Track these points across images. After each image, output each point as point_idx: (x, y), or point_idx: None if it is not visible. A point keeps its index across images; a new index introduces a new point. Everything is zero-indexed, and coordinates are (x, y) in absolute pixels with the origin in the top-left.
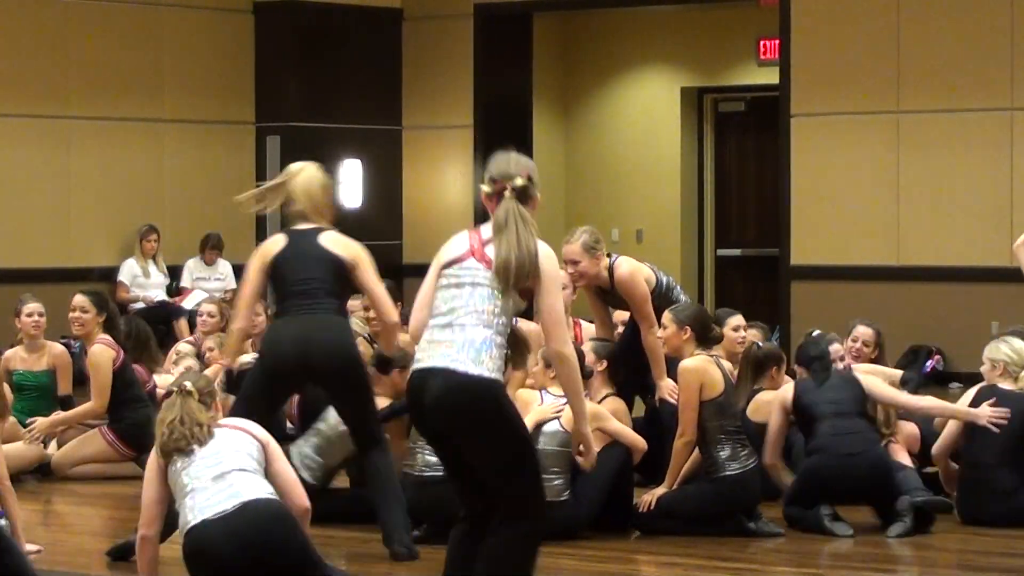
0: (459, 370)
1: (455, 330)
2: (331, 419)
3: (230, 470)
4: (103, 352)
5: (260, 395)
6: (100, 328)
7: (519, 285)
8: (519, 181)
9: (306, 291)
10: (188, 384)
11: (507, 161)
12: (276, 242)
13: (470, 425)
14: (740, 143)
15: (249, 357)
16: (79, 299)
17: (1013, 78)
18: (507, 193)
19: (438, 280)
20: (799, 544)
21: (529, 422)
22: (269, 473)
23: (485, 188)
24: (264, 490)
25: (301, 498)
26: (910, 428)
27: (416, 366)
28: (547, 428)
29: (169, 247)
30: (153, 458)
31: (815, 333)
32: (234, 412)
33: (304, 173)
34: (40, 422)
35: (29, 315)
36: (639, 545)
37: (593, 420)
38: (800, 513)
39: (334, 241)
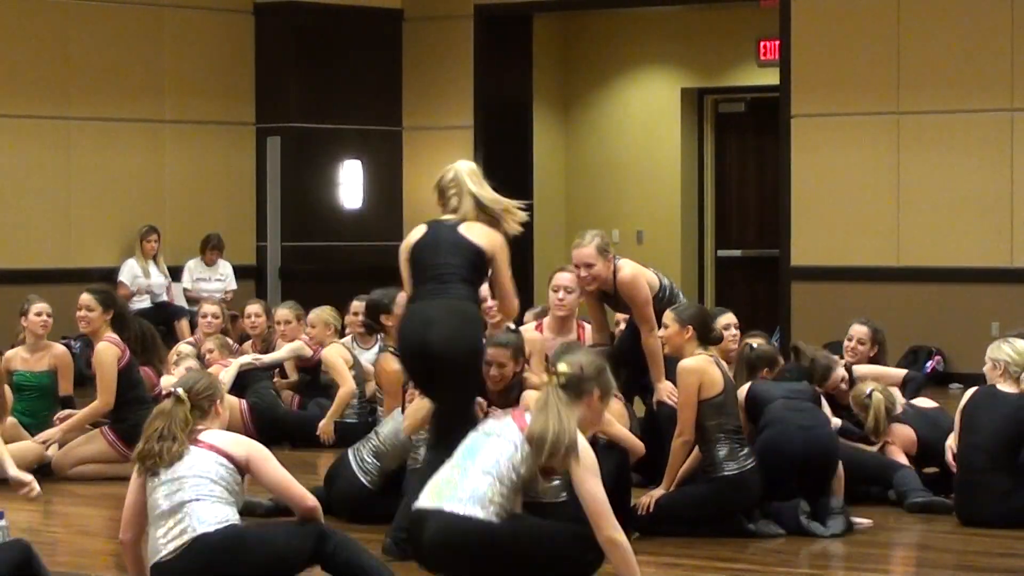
0: (458, 512)
1: (465, 473)
2: (384, 430)
3: (186, 500)
4: (108, 350)
5: (417, 385)
6: (107, 326)
7: (550, 461)
8: (562, 367)
9: (439, 276)
10: (181, 391)
11: (568, 351)
12: (417, 231)
13: (471, 566)
14: (740, 144)
15: (248, 358)
16: (85, 297)
17: (1013, 79)
18: (553, 379)
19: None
20: (799, 545)
21: None
22: (264, 484)
23: (543, 376)
24: (218, 517)
25: (302, 499)
26: (906, 431)
27: (418, 503)
28: None
29: (170, 248)
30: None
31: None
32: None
33: (468, 169)
34: (52, 432)
35: (38, 314)
36: (639, 546)
37: None
38: (780, 510)
39: (475, 230)
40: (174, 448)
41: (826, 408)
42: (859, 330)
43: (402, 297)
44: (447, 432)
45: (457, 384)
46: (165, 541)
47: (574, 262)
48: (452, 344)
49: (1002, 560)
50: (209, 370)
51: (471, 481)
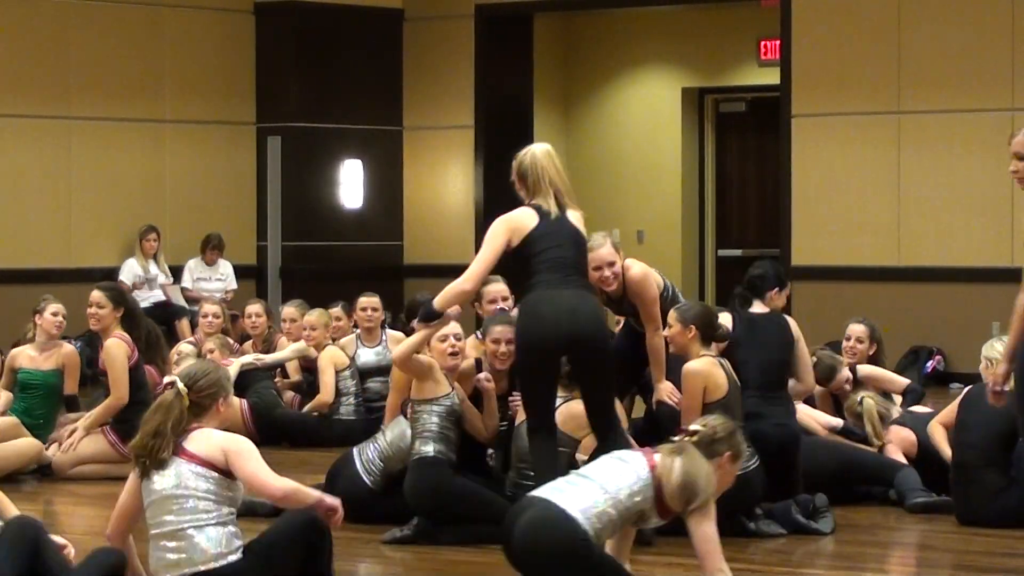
0: (558, 503)
1: (588, 480)
2: (390, 435)
3: (182, 528)
4: (118, 346)
5: (535, 373)
6: (117, 323)
7: (679, 501)
8: (695, 426)
9: (560, 267)
10: (181, 384)
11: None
12: (528, 217)
13: (545, 563)
14: (741, 143)
15: (250, 358)
16: (96, 295)
17: (1014, 78)
18: (685, 437)
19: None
20: (799, 545)
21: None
22: (240, 478)
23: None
24: (218, 547)
25: (268, 492)
26: (906, 433)
27: (534, 492)
28: None
29: (170, 247)
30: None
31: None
32: (527, 409)
33: (544, 152)
34: (77, 436)
35: (54, 314)
36: (640, 545)
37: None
38: (774, 510)
39: (579, 219)
40: (163, 451)
41: (808, 373)
42: (856, 329)
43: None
44: (608, 418)
45: (607, 375)
46: (164, 565)
47: (594, 265)
48: (598, 333)
49: (1002, 560)
50: None
51: (588, 491)
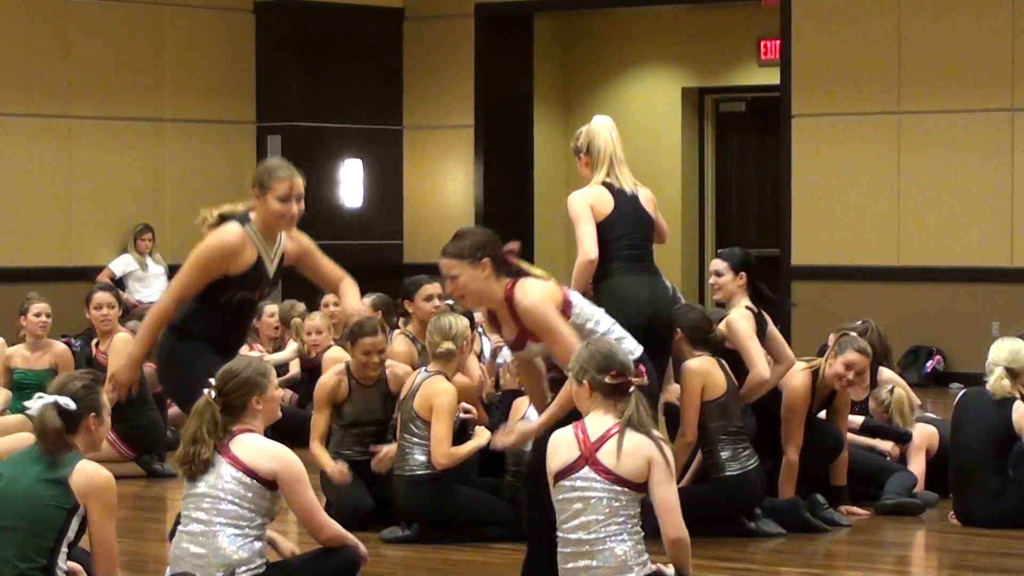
0: None
1: (595, 556)
2: None
3: (211, 528)
4: (128, 340)
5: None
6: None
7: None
8: (638, 381)
9: (638, 252)
10: (212, 391)
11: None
12: (603, 197)
13: None
14: (741, 143)
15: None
16: (106, 296)
17: (1014, 78)
18: (633, 389)
19: (555, 491)
20: (799, 544)
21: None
22: (289, 506)
23: (608, 380)
24: (238, 551)
25: (317, 531)
26: (928, 429)
27: None
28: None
29: (170, 246)
30: None
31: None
32: None
33: (611, 125)
34: None
35: (37, 315)
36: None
37: None
38: (779, 508)
39: (647, 200)
40: (204, 454)
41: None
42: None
43: (434, 288)
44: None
45: (665, 362)
46: (184, 558)
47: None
48: (671, 320)
49: (1001, 560)
50: None
51: (607, 562)
